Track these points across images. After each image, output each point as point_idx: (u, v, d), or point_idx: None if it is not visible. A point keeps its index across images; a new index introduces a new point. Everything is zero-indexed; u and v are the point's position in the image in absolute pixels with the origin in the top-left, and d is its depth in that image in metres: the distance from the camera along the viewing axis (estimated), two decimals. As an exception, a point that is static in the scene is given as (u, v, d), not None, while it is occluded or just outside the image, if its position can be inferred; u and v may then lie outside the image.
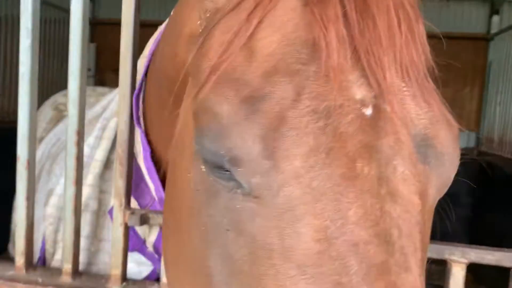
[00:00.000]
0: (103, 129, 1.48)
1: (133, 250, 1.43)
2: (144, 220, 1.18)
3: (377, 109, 0.62)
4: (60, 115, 2.59)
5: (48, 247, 1.61)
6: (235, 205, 0.63)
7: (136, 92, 1.27)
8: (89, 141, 1.50)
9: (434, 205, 0.72)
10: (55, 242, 1.60)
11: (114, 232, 1.19)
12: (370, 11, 0.63)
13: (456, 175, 0.72)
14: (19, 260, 1.23)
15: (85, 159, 1.38)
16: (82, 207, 1.38)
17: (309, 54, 0.62)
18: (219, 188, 0.64)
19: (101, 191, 1.45)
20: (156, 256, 1.40)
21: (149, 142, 1.29)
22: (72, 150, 1.20)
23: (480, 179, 5.36)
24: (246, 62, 0.64)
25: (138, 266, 1.43)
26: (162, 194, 1.25)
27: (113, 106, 1.54)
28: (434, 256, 1.04)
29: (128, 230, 1.20)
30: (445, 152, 0.68)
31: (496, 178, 5.94)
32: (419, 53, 0.69)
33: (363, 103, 0.62)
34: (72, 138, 1.20)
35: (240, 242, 0.64)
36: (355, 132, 0.60)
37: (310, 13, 0.63)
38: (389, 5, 0.65)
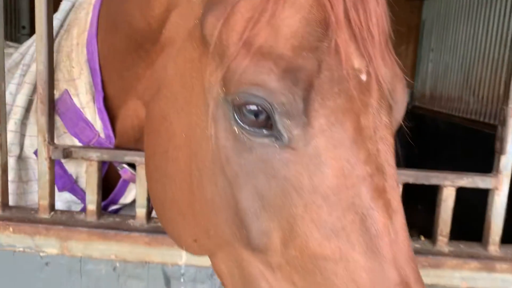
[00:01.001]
0: (24, 75, 1.53)
1: (63, 189, 1.52)
2: (67, 154, 1.27)
3: (368, 74, 0.81)
4: None
5: None
6: (272, 156, 0.80)
7: (92, 29, 1.34)
8: (10, 88, 1.54)
9: None
10: None
11: (40, 167, 1.28)
12: None
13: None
14: None
15: (7, 107, 1.43)
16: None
17: (322, 33, 0.77)
18: (253, 144, 0.81)
19: (23, 136, 1.51)
20: None
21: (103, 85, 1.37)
22: (-6, 89, 1.26)
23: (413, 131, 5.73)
24: (274, 38, 0.77)
25: (67, 203, 1.53)
26: (110, 132, 1.38)
27: (32, 51, 1.57)
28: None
29: (53, 164, 1.29)
30: (399, 101, 0.90)
31: (428, 130, 6.38)
32: (387, 20, 0.87)
33: (360, 71, 0.80)
34: (-5, 76, 1.25)
35: (272, 184, 0.80)
36: (358, 94, 0.79)
37: None
38: None
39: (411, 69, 7.62)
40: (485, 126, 5.01)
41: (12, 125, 1.46)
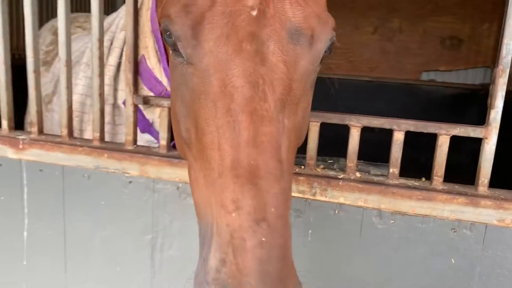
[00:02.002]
0: (111, 40, 1.98)
1: (143, 131, 1.97)
2: (146, 101, 1.68)
3: (261, 11, 0.97)
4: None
5: (76, 134, 2.17)
6: (183, 71, 1.05)
7: (152, 7, 1.76)
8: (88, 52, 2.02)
9: (311, 73, 1.07)
10: (80, 130, 2.15)
11: (126, 111, 1.71)
12: None
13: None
14: (64, 131, 1.78)
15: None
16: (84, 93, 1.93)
17: None
18: (177, 63, 1.07)
19: (115, 89, 1.97)
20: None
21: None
22: (96, 52, 1.70)
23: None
24: None
25: (147, 143, 1.97)
26: None
27: (117, 22, 2.03)
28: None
29: (136, 108, 1.71)
30: (316, 37, 1.03)
31: None
32: None
33: (252, 8, 0.97)
34: (95, 44, 1.69)
35: (186, 92, 1.06)
36: (244, 25, 0.96)
37: None
38: None
39: (494, 49, 7.30)
40: None
41: (107, 79, 1.92)
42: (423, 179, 1.53)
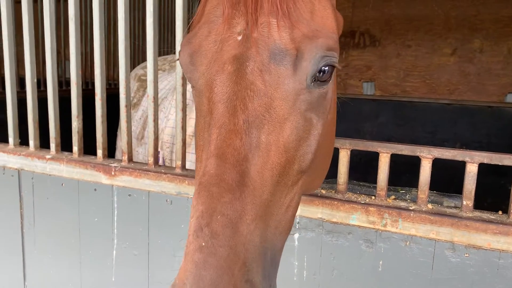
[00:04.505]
0: None
1: None
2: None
3: (245, 36, 1.04)
4: (143, 84, 3.41)
5: (167, 163, 2.37)
6: (193, 93, 1.20)
7: None
8: (188, 87, 2.20)
9: (301, 93, 1.06)
10: (171, 160, 2.35)
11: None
12: None
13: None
14: (150, 159, 1.96)
15: (188, 101, 2.08)
16: (192, 134, 2.10)
17: (220, 12, 1.09)
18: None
19: None
20: None
21: None
22: (179, 89, 1.87)
23: None
24: (199, 20, 1.17)
25: None
26: None
27: None
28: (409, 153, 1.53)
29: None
30: (299, 54, 1.03)
31: None
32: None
33: (238, 34, 1.05)
34: (179, 81, 1.87)
35: (200, 107, 1.15)
36: (229, 49, 1.05)
37: None
38: None
39: None
40: None
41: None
42: (500, 212, 1.49)
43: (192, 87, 1.17)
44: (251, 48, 1.03)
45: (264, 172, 0.98)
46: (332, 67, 1.09)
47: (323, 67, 1.07)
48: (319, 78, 1.08)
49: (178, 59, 1.23)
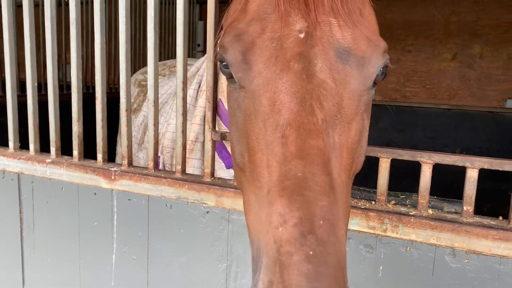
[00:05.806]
0: (199, 83, 2.16)
1: (229, 167, 2.10)
2: (223, 137, 1.81)
3: (308, 34, 1.01)
4: (143, 89, 3.40)
5: (167, 168, 2.37)
6: (236, 95, 1.11)
7: None
8: (189, 93, 2.19)
9: (362, 94, 1.06)
10: (171, 164, 2.35)
11: (205, 146, 1.84)
12: None
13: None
14: (150, 163, 1.96)
15: (189, 106, 2.08)
16: (194, 139, 2.10)
17: (272, 8, 1.05)
18: (231, 90, 1.14)
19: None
20: None
21: None
22: (180, 93, 1.87)
23: None
24: (242, 18, 1.10)
25: (230, 176, 2.10)
26: None
27: (205, 66, 2.20)
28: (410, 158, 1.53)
29: (214, 144, 1.84)
30: (365, 58, 1.03)
31: None
32: None
33: (300, 31, 1.01)
34: (179, 86, 1.87)
35: (240, 116, 1.10)
36: (292, 47, 1.00)
37: None
38: None
39: None
40: None
41: (198, 120, 2.10)
42: (500, 218, 1.48)
43: (241, 87, 1.08)
44: (316, 46, 1.00)
45: (341, 173, 0.96)
46: (386, 67, 1.11)
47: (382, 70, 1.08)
48: (376, 80, 1.09)
49: (218, 60, 1.14)
